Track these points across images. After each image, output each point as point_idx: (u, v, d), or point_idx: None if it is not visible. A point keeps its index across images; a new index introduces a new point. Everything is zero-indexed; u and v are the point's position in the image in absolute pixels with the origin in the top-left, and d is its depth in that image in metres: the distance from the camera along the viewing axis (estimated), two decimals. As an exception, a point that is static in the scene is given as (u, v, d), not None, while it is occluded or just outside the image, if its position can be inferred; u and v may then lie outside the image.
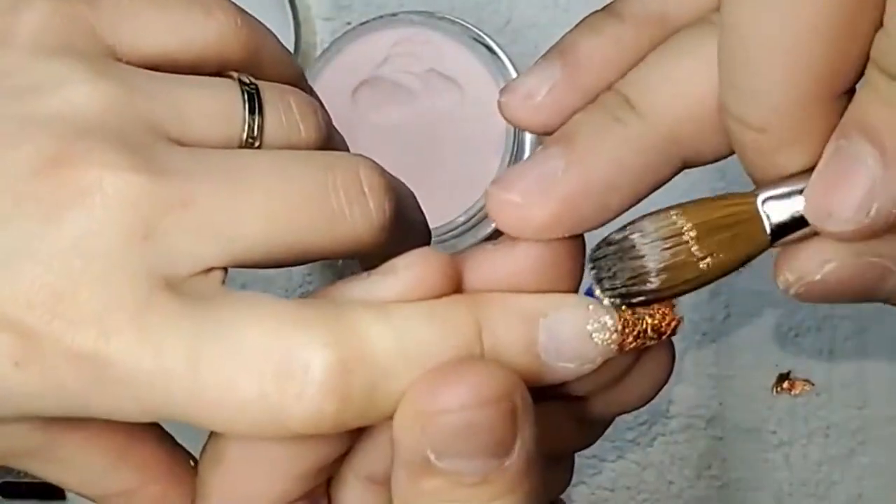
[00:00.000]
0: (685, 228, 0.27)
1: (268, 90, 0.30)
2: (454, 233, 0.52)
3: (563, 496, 0.36)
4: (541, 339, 0.27)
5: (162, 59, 0.30)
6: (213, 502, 0.29)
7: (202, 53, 0.30)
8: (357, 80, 0.54)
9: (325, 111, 0.32)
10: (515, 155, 0.51)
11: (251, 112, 0.29)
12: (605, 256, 0.28)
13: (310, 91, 0.34)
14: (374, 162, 0.29)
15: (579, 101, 0.29)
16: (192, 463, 0.32)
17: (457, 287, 0.28)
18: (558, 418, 0.32)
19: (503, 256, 0.28)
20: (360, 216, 0.28)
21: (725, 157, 0.29)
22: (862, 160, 0.25)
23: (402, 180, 0.32)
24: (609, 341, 0.28)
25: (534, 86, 0.29)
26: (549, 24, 0.56)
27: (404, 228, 0.31)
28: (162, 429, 0.32)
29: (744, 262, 0.28)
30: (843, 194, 0.25)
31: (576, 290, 0.29)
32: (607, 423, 0.34)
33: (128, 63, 0.29)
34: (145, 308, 0.26)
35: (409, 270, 0.27)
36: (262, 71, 0.31)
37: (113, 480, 0.31)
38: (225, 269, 0.27)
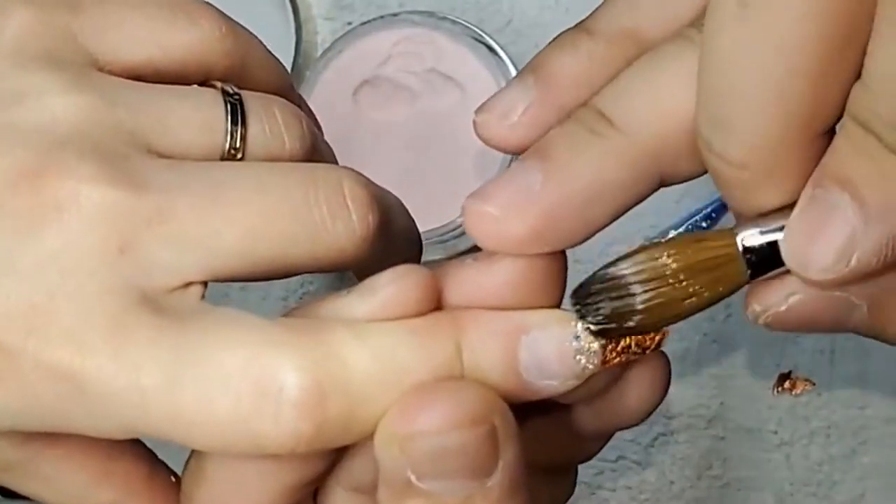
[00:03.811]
0: (670, 271, 0.27)
1: (251, 100, 0.30)
2: (454, 233, 0.52)
3: None
4: (522, 358, 0.27)
5: (145, 68, 0.29)
6: None
7: (186, 62, 0.30)
8: (358, 80, 0.54)
9: (312, 120, 0.32)
10: (516, 155, 0.51)
11: (234, 123, 0.29)
12: (589, 294, 0.28)
13: (298, 100, 0.34)
14: (357, 174, 0.29)
15: (555, 118, 0.29)
16: (172, 479, 0.32)
17: (437, 303, 0.28)
18: (552, 431, 0.32)
19: (483, 272, 0.28)
20: (343, 229, 0.28)
21: (701, 175, 0.28)
22: (840, 210, 0.25)
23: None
24: (591, 359, 0.27)
25: (509, 105, 0.29)
26: (550, 24, 0.56)
27: (392, 239, 0.30)
28: (143, 444, 0.32)
29: (723, 298, 0.28)
30: (822, 245, 0.25)
31: (558, 305, 0.29)
32: (605, 437, 0.34)
33: (110, 72, 0.29)
34: (122, 325, 0.25)
35: (388, 289, 0.27)
36: (248, 79, 0.31)
37: (94, 497, 0.31)
38: (205, 283, 0.27)
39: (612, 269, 0.27)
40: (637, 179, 0.28)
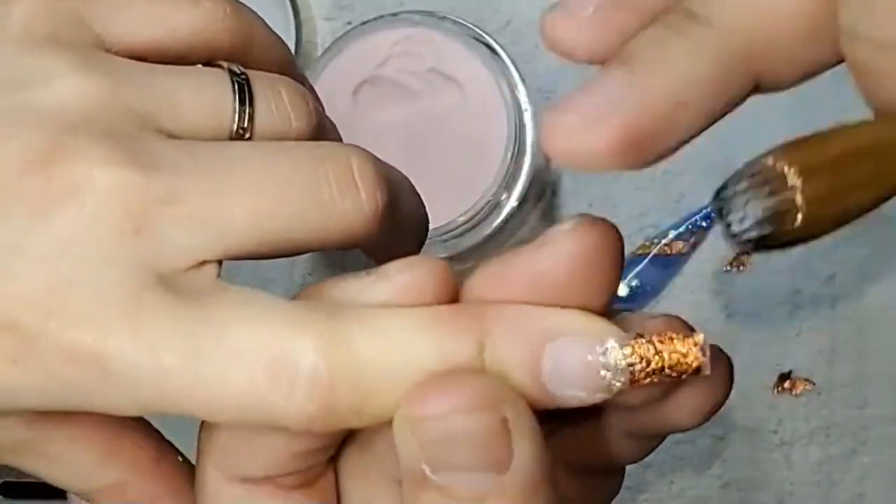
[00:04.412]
0: (827, 157, 0.24)
1: (258, 80, 0.30)
2: (454, 233, 0.52)
3: None
4: (545, 368, 0.26)
5: (150, 49, 0.29)
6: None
7: (191, 42, 0.30)
8: (358, 80, 0.54)
9: (316, 98, 0.32)
10: (516, 155, 0.51)
11: (241, 102, 0.29)
12: (735, 193, 0.24)
13: (300, 77, 0.34)
14: (366, 152, 0.29)
15: (634, 21, 0.26)
16: (179, 459, 0.32)
17: (453, 294, 0.27)
18: (602, 432, 0.31)
19: (536, 255, 0.27)
20: (352, 207, 0.28)
21: (802, 81, 0.26)
22: None
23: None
24: (617, 376, 0.26)
25: (580, 1, 0.27)
26: (550, 23, 0.56)
27: (400, 217, 0.30)
28: (149, 424, 0.32)
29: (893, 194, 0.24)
30: None
31: (607, 304, 0.27)
32: (659, 439, 0.32)
33: (116, 53, 0.29)
34: (140, 305, 0.25)
35: (402, 275, 0.27)
36: (252, 57, 0.31)
37: (102, 475, 0.31)
38: (219, 262, 0.27)
39: (762, 161, 0.24)
40: (728, 79, 0.26)
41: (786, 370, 0.55)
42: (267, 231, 0.27)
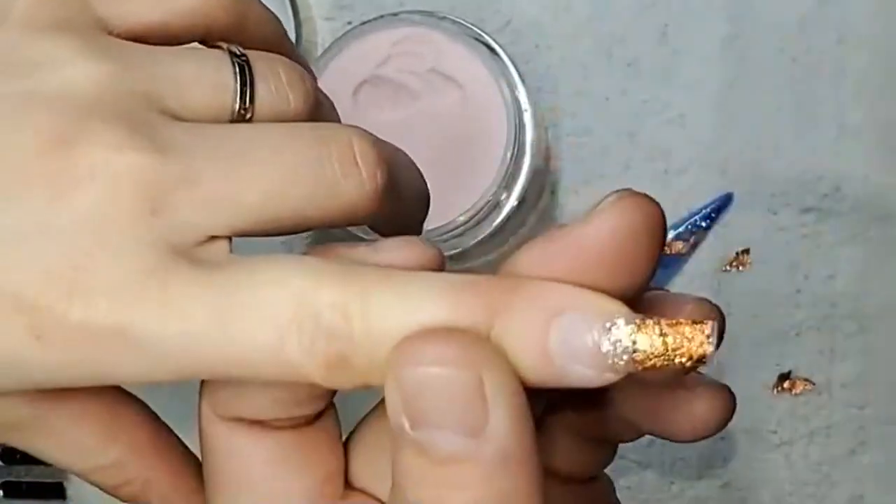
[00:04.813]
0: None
1: (258, 61, 0.30)
2: (454, 233, 0.52)
3: None
4: (552, 341, 0.26)
5: (150, 31, 0.30)
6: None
7: (189, 22, 0.30)
8: (358, 80, 0.54)
9: (313, 77, 0.33)
10: (516, 155, 0.51)
11: (243, 83, 0.30)
12: None
13: (296, 54, 0.34)
14: (365, 132, 0.30)
15: None
16: (175, 439, 0.33)
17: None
18: (604, 413, 0.32)
19: (572, 237, 0.27)
20: (355, 186, 0.29)
21: None
22: None
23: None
24: (621, 355, 0.26)
25: None
26: (550, 23, 0.56)
27: (402, 193, 0.31)
28: (144, 405, 0.32)
29: None
30: None
31: (649, 279, 0.27)
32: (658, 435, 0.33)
33: (118, 36, 0.29)
34: (163, 275, 0.26)
35: (395, 252, 0.28)
36: (248, 35, 0.32)
37: (102, 454, 0.31)
38: (230, 238, 0.28)
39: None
40: None
41: (785, 370, 0.55)
42: (275, 210, 0.28)
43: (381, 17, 0.54)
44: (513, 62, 0.52)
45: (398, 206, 0.31)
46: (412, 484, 0.26)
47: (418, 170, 0.34)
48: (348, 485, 0.31)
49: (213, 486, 0.30)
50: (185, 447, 0.33)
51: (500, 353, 0.26)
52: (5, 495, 0.57)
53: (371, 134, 0.30)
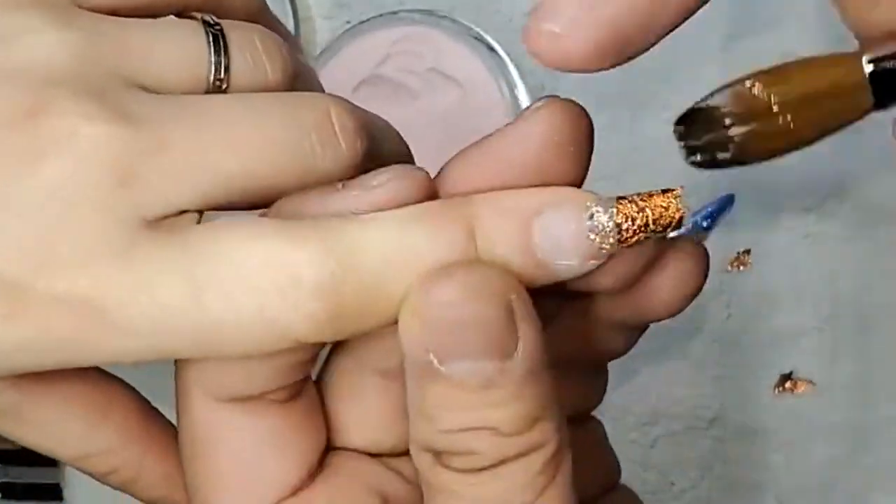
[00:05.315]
0: (769, 104, 0.26)
1: (232, 30, 0.30)
2: (454, 232, 0.52)
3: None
4: (535, 238, 0.27)
5: (123, 4, 0.29)
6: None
7: None
8: (357, 79, 0.54)
9: (292, 45, 0.32)
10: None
11: (217, 54, 0.29)
12: (691, 124, 0.27)
13: (275, 24, 0.34)
14: (344, 101, 0.30)
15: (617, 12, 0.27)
16: (165, 423, 0.32)
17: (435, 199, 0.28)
18: (583, 321, 0.32)
19: (505, 141, 0.28)
20: (332, 157, 0.28)
21: None
22: None
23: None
24: (606, 237, 0.27)
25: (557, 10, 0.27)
26: (550, 22, 0.56)
27: (383, 163, 0.30)
28: (136, 392, 0.32)
29: (841, 128, 0.27)
30: None
31: (580, 184, 0.28)
32: (638, 330, 0.33)
33: (90, 9, 0.29)
34: (130, 247, 0.26)
35: (387, 186, 0.27)
36: (224, 5, 0.31)
37: (91, 441, 0.31)
38: (200, 212, 0.27)
39: (707, 101, 0.27)
40: None
41: (787, 370, 0.55)
42: (250, 181, 0.27)
43: (381, 15, 0.54)
44: (512, 61, 0.52)
45: None
46: (447, 412, 0.26)
47: (399, 137, 0.33)
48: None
49: (200, 484, 0.30)
50: (175, 431, 0.33)
51: (511, 270, 0.27)
52: (2, 496, 0.56)
53: (349, 102, 0.30)
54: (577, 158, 0.28)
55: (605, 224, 0.27)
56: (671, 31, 0.27)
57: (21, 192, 0.25)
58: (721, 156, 0.27)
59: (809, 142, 0.27)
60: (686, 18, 0.27)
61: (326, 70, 0.53)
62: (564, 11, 0.26)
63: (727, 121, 0.26)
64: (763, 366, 0.56)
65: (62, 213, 0.25)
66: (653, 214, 0.27)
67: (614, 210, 0.27)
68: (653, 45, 0.27)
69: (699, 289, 0.31)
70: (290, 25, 0.54)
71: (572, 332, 0.32)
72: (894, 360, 0.55)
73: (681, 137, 0.27)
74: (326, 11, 0.58)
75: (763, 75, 0.26)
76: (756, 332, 0.55)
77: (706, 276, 0.31)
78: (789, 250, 0.55)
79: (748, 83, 0.26)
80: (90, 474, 0.32)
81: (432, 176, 0.29)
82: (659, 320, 0.32)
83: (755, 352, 0.55)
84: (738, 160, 0.27)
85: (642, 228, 0.27)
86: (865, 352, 0.55)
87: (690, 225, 0.55)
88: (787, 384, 0.55)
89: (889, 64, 0.25)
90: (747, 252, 0.55)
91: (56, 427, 0.31)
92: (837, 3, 0.26)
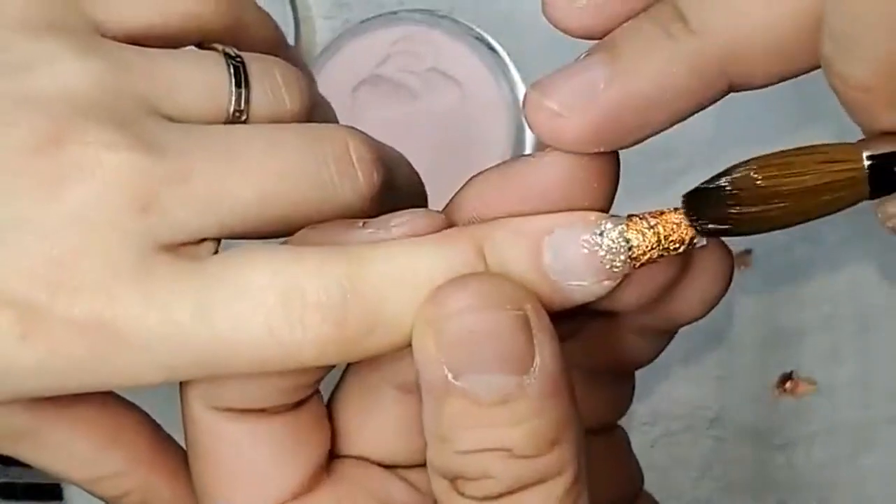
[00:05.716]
0: (778, 190, 0.27)
1: (253, 62, 0.30)
2: (454, 232, 0.52)
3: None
4: (546, 258, 0.27)
5: (145, 33, 0.30)
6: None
7: (184, 25, 0.30)
8: (357, 79, 0.54)
9: (309, 77, 0.33)
10: (516, 153, 0.51)
11: (238, 85, 0.30)
12: (697, 200, 0.27)
13: (293, 57, 0.34)
14: (361, 133, 0.30)
15: (625, 8, 0.28)
16: (175, 447, 0.33)
17: None
18: (614, 332, 0.32)
19: (533, 169, 0.28)
20: (350, 188, 0.29)
21: (775, 83, 0.28)
22: None
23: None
24: (617, 256, 0.27)
25: None
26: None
27: (397, 193, 0.31)
28: (146, 415, 0.32)
29: (835, 213, 0.28)
30: None
31: (607, 211, 0.28)
32: (668, 336, 0.33)
33: (112, 38, 0.29)
34: (146, 271, 0.26)
35: (403, 228, 0.28)
36: (244, 37, 0.32)
37: (102, 464, 0.31)
38: (217, 240, 0.28)
39: (715, 182, 0.27)
40: (705, 86, 0.27)
41: (788, 371, 0.55)
42: (269, 212, 0.28)
43: (381, 15, 0.54)
44: (513, 61, 0.52)
45: (394, 205, 0.31)
46: (463, 431, 0.26)
47: (412, 167, 0.34)
48: (332, 454, 0.31)
49: (205, 483, 0.30)
50: (186, 454, 0.33)
51: (526, 285, 0.26)
52: (2, 497, 0.56)
53: (365, 134, 0.30)
54: (599, 194, 0.28)
55: (616, 242, 0.27)
56: (667, 127, 0.27)
57: (42, 216, 0.26)
58: (722, 227, 0.27)
59: (805, 221, 0.28)
60: (684, 118, 0.27)
61: (326, 70, 0.53)
62: (564, 91, 0.27)
63: (730, 202, 0.27)
64: (763, 366, 0.55)
65: (82, 237, 0.26)
66: (664, 231, 0.27)
67: (624, 227, 0.27)
68: (647, 138, 0.27)
69: (727, 289, 0.31)
70: (290, 25, 0.54)
71: (598, 341, 0.32)
72: (894, 360, 0.55)
73: (687, 210, 0.28)
74: (326, 11, 0.58)
75: (767, 165, 0.27)
76: (756, 332, 0.55)
77: (732, 276, 0.31)
78: (790, 250, 0.55)
79: (753, 172, 0.27)
80: (102, 498, 0.32)
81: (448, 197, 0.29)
82: (687, 324, 0.32)
83: (755, 352, 0.55)
84: (737, 234, 0.27)
85: (654, 246, 0.27)
86: (865, 352, 0.55)
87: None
88: (788, 384, 0.55)
89: (887, 161, 0.26)
90: (748, 252, 0.55)
91: (67, 450, 0.31)
92: (846, 103, 0.26)
